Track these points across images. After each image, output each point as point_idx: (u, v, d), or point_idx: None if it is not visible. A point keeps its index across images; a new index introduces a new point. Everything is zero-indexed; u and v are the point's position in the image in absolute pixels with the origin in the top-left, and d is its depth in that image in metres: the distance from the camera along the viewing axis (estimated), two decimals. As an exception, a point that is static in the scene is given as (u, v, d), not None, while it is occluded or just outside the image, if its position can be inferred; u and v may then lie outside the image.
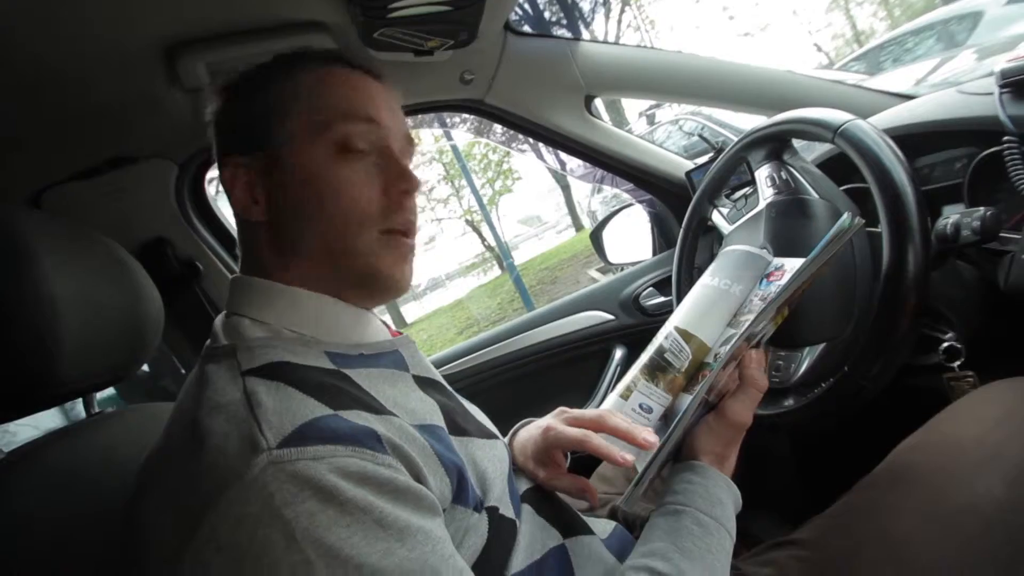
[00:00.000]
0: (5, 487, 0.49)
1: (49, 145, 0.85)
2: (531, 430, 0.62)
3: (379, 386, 0.48)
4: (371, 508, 0.35)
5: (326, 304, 0.51)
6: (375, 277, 0.52)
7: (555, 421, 0.59)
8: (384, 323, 0.60)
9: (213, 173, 1.09)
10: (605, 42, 1.10)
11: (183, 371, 1.07)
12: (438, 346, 7.55)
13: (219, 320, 0.51)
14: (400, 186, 0.52)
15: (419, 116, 1.19)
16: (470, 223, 11.80)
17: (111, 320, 0.59)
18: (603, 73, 1.13)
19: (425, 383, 0.54)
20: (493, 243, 10.51)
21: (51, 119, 0.79)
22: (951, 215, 0.64)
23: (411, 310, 12.77)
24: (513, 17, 1.06)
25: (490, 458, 0.52)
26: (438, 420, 0.50)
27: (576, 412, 0.60)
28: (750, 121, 1.22)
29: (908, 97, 1.04)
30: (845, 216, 0.53)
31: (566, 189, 12.22)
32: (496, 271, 11.84)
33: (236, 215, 0.54)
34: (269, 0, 0.75)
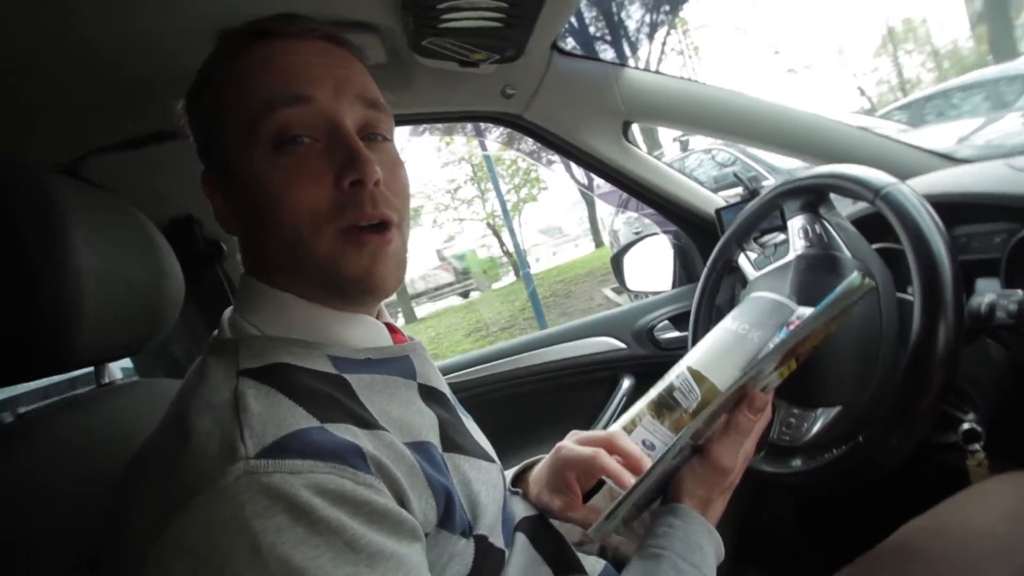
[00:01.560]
0: (12, 451, 0.49)
1: (94, 112, 0.86)
2: (544, 459, 0.62)
3: (377, 396, 0.47)
4: (343, 529, 0.34)
5: (315, 311, 0.48)
6: (344, 282, 0.46)
7: (567, 441, 0.59)
8: (393, 326, 0.58)
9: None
10: (649, 70, 1.09)
11: (196, 347, 1.08)
12: (444, 345, 7.57)
13: (227, 312, 0.51)
14: (348, 176, 0.44)
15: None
16: (491, 227, 11.83)
17: (132, 295, 0.60)
18: (644, 101, 1.13)
19: (429, 393, 0.53)
20: (512, 249, 10.52)
21: (98, 87, 0.80)
22: (987, 294, 0.62)
23: (423, 305, 12.83)
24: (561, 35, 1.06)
25: (483, 481, 0.51)
26: (433, 436, 0.49)
27: (587, 432, 0.60)
28: (784, 159, 1.20)
29: (953, 159, 1.02)
30: (855, 275, 0.51)
31: (591, 205, 12.22)
32: (511, 276, 11.85)
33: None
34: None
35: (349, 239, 0.45)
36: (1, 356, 0.49)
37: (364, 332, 0.51)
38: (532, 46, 0.88)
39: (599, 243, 12.43)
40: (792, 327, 0.58)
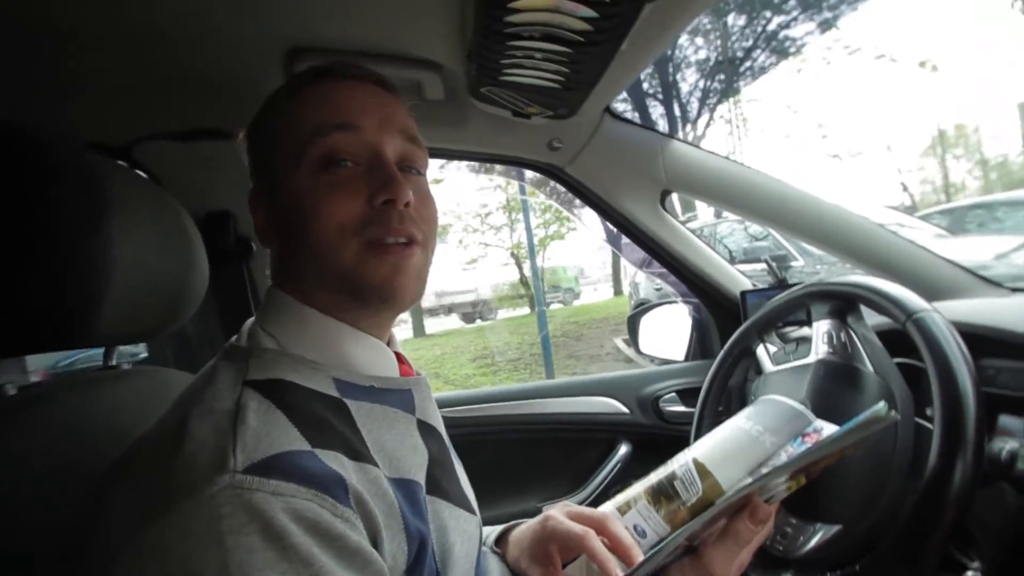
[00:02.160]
0: (12, 425, 0.49)
1: (155, 101, 0.90)
2: (529, 523, 0.61)
3: (375, 425, 0.47)
4: (312, 561, 0.34)
5: (332, 328, 0.50)
6: (365, 289, 0.48)
7: (557, 511, 0.58)
8: (402, 357, 0.58)
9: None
10: (696, 145, 1.10)
11: (209, 338, 1.09)
12: (448, 366, 7.53)
13: (247, 324, 0.52)
14: (381, 196, 0.47)
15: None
16: (515, 257, 11.89)
17: (156, 285, 0.61)
18: (686, 174, 1.14)
19: (425, 429, 0.54)
20: (531, 282, 10.54)
21: (163, 78, 0.84)
22: (1009, 440, 0.60)
23: (433, 322, 12.85)
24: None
25: (460, 532, 0.51)
26: (421, 476, 0.49)
27: (579, 508, 0.59)
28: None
29: (991, 282, 1.00)
30: (881, 405, 0.50)
31: (616, 252, 12.22)
32: (525, 309, 11.83)
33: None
34: (398, 31, 0.79)
35: (373, 250, 0.48)
36: (16, 325, 0.49)
37: (374, 358, 0.52)
38: (586, 107, 0.90)
39: (618, 291, 12.39)
40: (808, 441, 0.57)
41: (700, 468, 0.59)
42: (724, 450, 0.60)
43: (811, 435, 0.59)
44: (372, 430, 0.46)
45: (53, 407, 0.54)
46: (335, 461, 0.40)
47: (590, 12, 0.59)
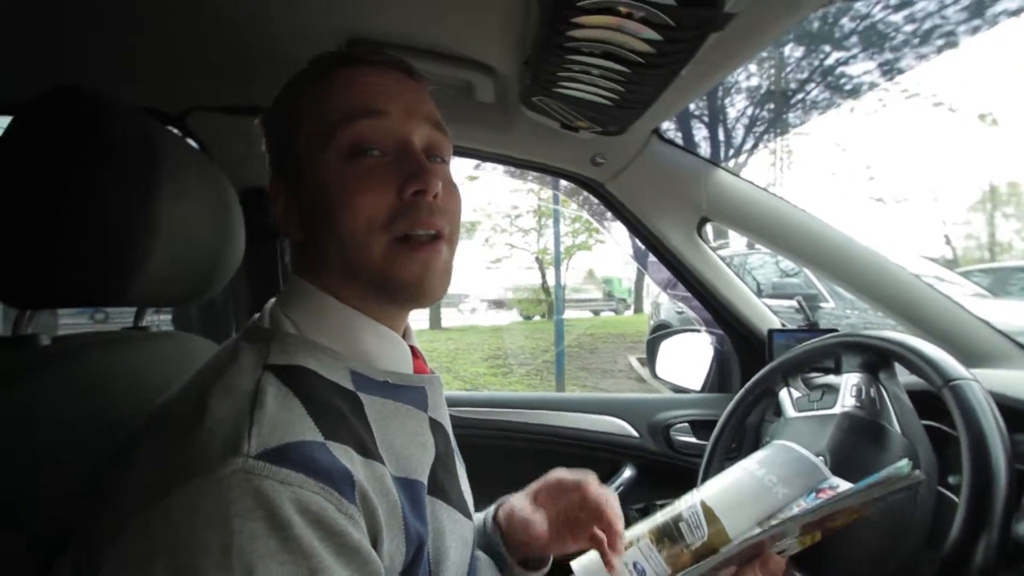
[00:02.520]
0: (44, 373, 0.51)
1: (214, 76, 0.92)
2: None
3: (385, 422, 0.47)
4: (312, 555, 0.35)
5: (352, 319, 0.50)
6: (396, 286, 0.48)
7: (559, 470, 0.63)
8: (417, 351, 0.59)
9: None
10: (739, 175, 1.08)
11: (236, 311, 1.11)
12: (459, 363, 7.55)
13: (269, 305, 0.53)
14: (411, 186, 0.47)
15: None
16: (539, 262, 11.87)
17: (194, 254, 0.62)
18: (727, 204, 1.12)
19: (436, 427, 0.54)
20: (552, 289, 10.52)
21: (222, 54, 0.85)
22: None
23: (450, 315, 12.92)
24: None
25: (457, 537, 0.51)
26: (425, 476, 0.49)
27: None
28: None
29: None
30: (904, 463, 0.48)
31: (641, 270, 12.11)
32: (538, 316, 11.80)
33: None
34: (457, 31, 0.79)
35: (403, 246, 0.47)
36: (56, 279, 0.50)
37: (391, 352, 0.52)
38: (635, 127, 0.89)
39: (639, 309, 12.29)
40: (823, 495, 0.55)
41: (708, 512, 0.58)
42: (734, 496, 0.59)
43: (825, 491, 0.58)
44: (383, 427, 0.47)
45: (83, 360, 0.56)
46: (345, 456, 0.40)
47: (654, 35, 0.58)
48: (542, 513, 0.62)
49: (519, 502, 0.64)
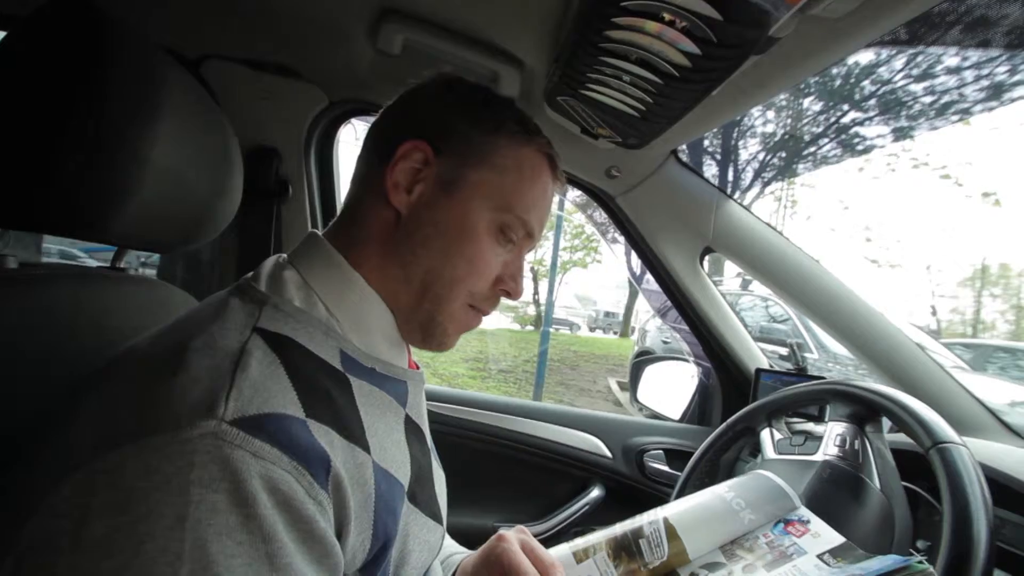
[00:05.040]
0: (6, 299, 0.48)
1: (240, 26, 0.89)
2: (480, 549, 0.57)
3: (371, 408, 0.45)
4: (273, 538, 0.32)
5: (377, 308, 0.49)
6: (439, 332, 0.52)
7: (512, 535, 0.55)
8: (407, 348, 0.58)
9: (358, 127, 1.13)
10: (750, 209, 1.07)
11: (221, 267, 1.08)
12: (440, 360, 7.50)
13: (271, 262, 0.50)
14: (509, 286, 0.54)
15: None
16: (534, 273, 11.89)
17: (184, 199, 0.59)
18: (734, 237, 1.11)
19: (412, 428, 0.51)
20: (543, 301, 10.52)
21: (253, 5, 0.83)
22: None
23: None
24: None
25: (422, 542, 0.48)
26: (402, 475, 0.46)
27: (534, 543, 0.55)
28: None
29: (1015, 432, 0.96)
30: (919, 560, 0.46)
31: (633, 295, 12.17)
32: (530, 326, 11.80)
33: (373, 183, 0.51)
34: (492, 18, 0.78)
35: (468, 312, 0.53)
36: (33, 200, 0.48)
37: (394, 346, 0.52)
38: (655, 143, 0.88)
39: (625, 333, 12.32)
40: (790, 531, 0.54)
41: (670, 530, 0.56)
42: (698, 516, 0.57)
43: (795, 524, 0.56)
44: (369, 412, 0.44)
45: (50, 290, 0.53)
46: (325, 437, 0.37)
47: (694, 49, 0.57)
48: None
49: None
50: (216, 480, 0.31)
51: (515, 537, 0.55)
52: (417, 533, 0.48)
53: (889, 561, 0.44)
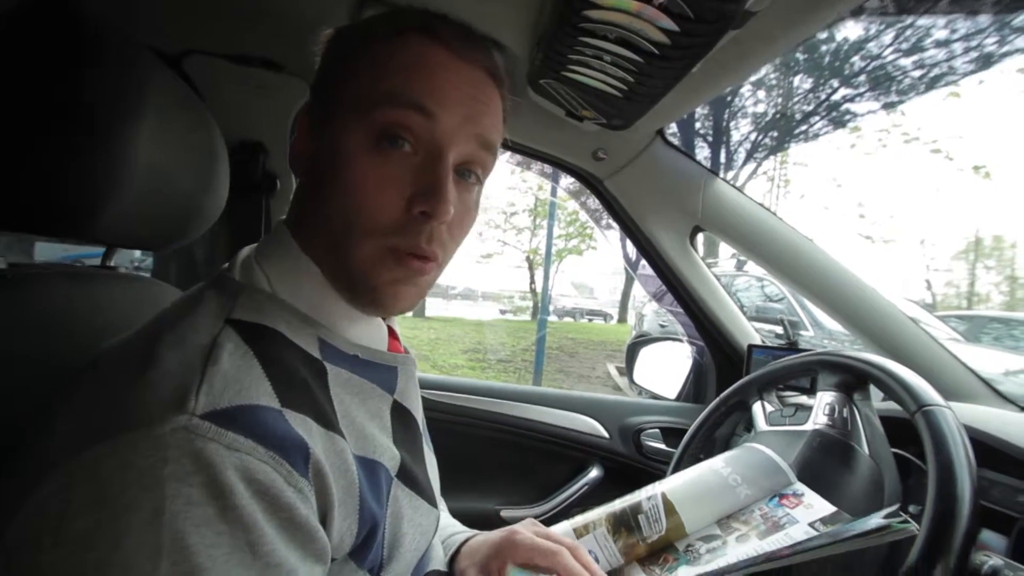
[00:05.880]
0: None
1: (220, 20, 0.89)
2: (489, 534, 0.58)
3: (348, 396, 0.45)
4: (253, 527, 0.32)
5: (322, 287, 0.46)
6: (364, 289, 0.45)
7: (523, 528, 0.55)
8: (393, 331, 0.56)
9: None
10: (736, 186, 1.08)
11: (216, 265, 1.08)
12: (439, 352, 7.53)
13: (245, 251, 0.49)
14: (421, 205, 0.42)
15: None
16: (529, 262, 11.89)
17: (170, 196, 0.60)
18: (722, 215, 1.12)
19: (400, 414, 0.51)
20: (539, 289, 10.53)
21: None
22: (993, 556, 0.58)
23: (436, 305, 12.88)
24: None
25: (415, 524, 0.48)
26: (387, 460, 0.46)
27: (547, 529, 0.56)
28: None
29: (1007, 399, 0.97)
30: (900, 520, 0.47)
31: (629, 280, 12.20)
32: (527, 315, 11.83)
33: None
34: (472, 3, 0.77)
35: (392, 256, 0.44)
36: (18, 201, 0.48)
37: (365, 328, 0.50)
38: (640, 124, 0.88)
39: (623, 319, 12.37)
40: (785, 504, 0.55)
41: (668, 505, 0.57)
42: (695, 491, 0.59)
43: (789, 497, 0.57)
44: (344, 401, 0.44)
45: (40, 290, 0.53)
46: (302, 426, 0.37)
47: (672, 25, 0.57)
48: None
49: (472, 574, 0.57)
50: (190, 474, 0.31)
51: (527, 527, 0.56)
52: (411, 516, 0.48)
53: (872, 522, 0.45)
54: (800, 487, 0.58)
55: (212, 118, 0.65)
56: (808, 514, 0.54)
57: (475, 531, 0.62)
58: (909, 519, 0.45)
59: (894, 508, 0.46)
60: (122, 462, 0.31)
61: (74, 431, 0.34)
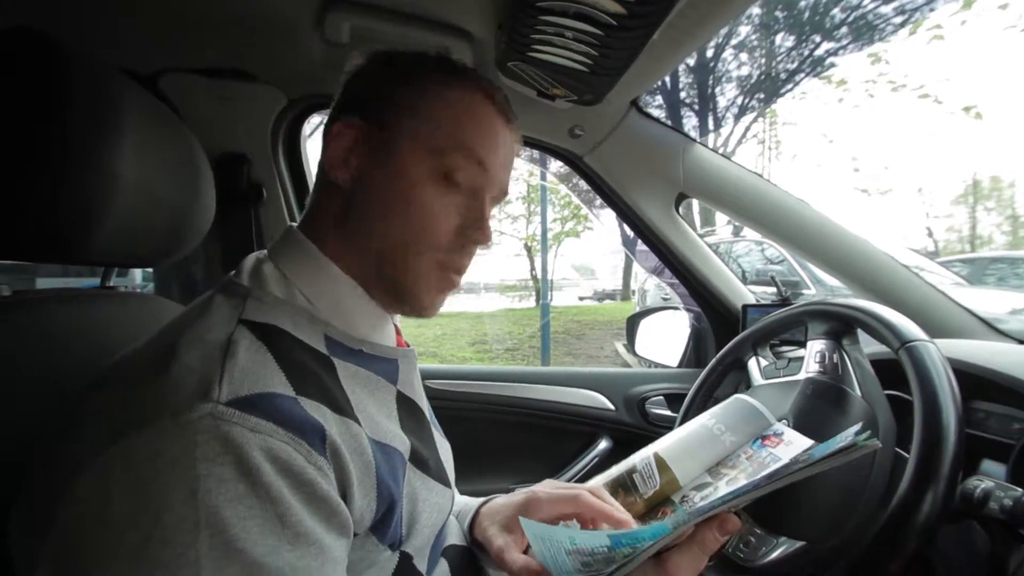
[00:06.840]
0: (3, 324, 0.50)
1: (190, 36, 0.90)
2: (509, 496, 0.61)
3: (358, 388, 0.47)
4: (280, 500, 0.35)
5: (350, 290, 0.51)
6: (411, 296, 0.52)
7: (542, 486, 0.59)
8: (397, 328, 0.60)
9: (315, 120, 1.14)
10: (719, 151, 1.09)
11: (212, 276, 1.10)
12: (446, 347, 7.57)
13: (252, 258, 0.52)
14: (475, 235, 0.52)
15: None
16: (528, 248, 11.88)
17: (159, 212, 0.61)
18: (704, 180, 1.13)
19: (405, 404, 0.54)
20: (540, 275, 10.53)
21: (198, 14, 0.83)
22: (986, 480, 0.60)
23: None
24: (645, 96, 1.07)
25: (431, 503, 0.51)
26: (399, 444, 0.49)
27: (566, 483, 0.60)
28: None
29: (998, 331, 0.99)
30: (857, 429, 0.49)
31: (629, 259, 12.18)
32: (530, 303, 11.84)
33: (321, 169, 0.54)
34: None
35: (440, 271, 0.52)
36: (14, 230, 0.49)
37: (376, 323, 0.53)
38: (612, 97, 0.89)
39: (626, 296, 12.38)
40: (768, 445, 0.57)
41: (660, 462, 0.59)
42: (684, 447, 0.61)
43: (771, 437, 0.60)
44: (356, 391, 0.47)
45: (44, 315, 0.55)
46: (317, 411, 0.40)
47: (625, -6, 0.58)
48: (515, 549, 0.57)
49: (493, 533, 0.58)
50: (220, 455, 0.34)
51: (547, 486, 0.59)
52: (426, 496, 0.51)
53: (838, 440, 0.47)
54: (779, 427, 0.61)
55: (191, 133, 0.67)
56: (789, 450, 0.56)
57: (490, 496, 0.64)
58: (871, 436, 0.47)
59: (858, 426, 0.48)
60: (153, 450, 0.34)
61: (103, 429, 0.37)
